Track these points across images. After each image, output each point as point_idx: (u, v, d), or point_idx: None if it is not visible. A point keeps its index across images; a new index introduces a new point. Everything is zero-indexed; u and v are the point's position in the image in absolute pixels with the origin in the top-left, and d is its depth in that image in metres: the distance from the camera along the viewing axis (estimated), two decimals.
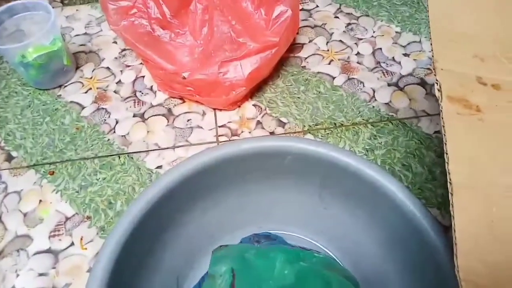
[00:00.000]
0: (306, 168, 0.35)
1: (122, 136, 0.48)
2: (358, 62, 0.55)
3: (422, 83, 0.52)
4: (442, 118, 0.24)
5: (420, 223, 0.28)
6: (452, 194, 0.21)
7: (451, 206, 0.21)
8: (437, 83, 0.26)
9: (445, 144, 0.23)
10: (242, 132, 0.49)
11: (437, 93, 0.26)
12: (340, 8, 0.62)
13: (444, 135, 0.23)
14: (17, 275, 0.39)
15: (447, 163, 0.22)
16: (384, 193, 0.31)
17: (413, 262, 0.31)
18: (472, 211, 0.21)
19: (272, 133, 0.49)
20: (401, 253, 0.32)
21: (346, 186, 0.34)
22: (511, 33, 0.31)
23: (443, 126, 0.24)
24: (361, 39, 0.58)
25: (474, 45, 0.30)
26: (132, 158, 0.46)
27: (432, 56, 0.28)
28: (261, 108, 0.51)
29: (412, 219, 0.29)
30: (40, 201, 0.44)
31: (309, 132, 0.48)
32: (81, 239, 0.41)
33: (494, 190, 0.22)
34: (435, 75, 0.27)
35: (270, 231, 0.38)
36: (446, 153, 0.22)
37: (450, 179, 0.21)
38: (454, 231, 0.20)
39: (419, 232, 0.28)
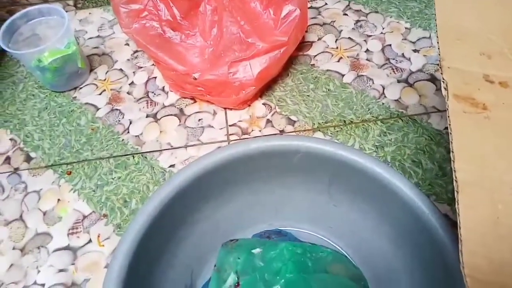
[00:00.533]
0: (315, 166, 0.35)
1: (135, 136, 0.50)
2: (367, 59, 0.55)
3: (432, 79, 0.52)
4: (449, 116, 0.24)
5: (428, 219, 0.29)
6: (458, 192, 0.21)
7: (456, 203, 0.21)
8: (443, 82, 0.27)
9: (451, 142, 0.23)
10: (252, 130, 0.49)
11: (443, 92, 0.26)
12: (349, 5, 0.62)
13: (450, 133, 0.24)
14: (38, 271, 0.41)
15: (453, 161, 0.22)
16: (392, 191, 0.31)
17: (423, 259, 0.31)
18: (477, 208, 0.21)
19: (282, 131, 0.49)
20: (410, 249, 0.32)
21: (354, 184, 0.34)
22: None
23: (449, 125, 0.24)
24: (370, 36, 0.58)
25: (481, 42, 0.30)
26: (146, 157, 0.48)
27: (439, 54, 0.29)
28: (271, 107, 0.52)
29: (420, 216, 0.29)
30: (59, 200, 0.45)
31: (319, 130, 0.49)
32: (98, 236, 0.42)
33: (500, 188, 0.22)
34: (441, 73, 0.27)
35: (281, 228, 0.39)
36: (452, 151, 0.23)
37: (456, 177, 0.22)
38: (460, 228, 0.20)
39: (428, 229, 0.29)
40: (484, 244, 0.20)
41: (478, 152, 0.23)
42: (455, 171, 0.22)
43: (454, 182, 0.22)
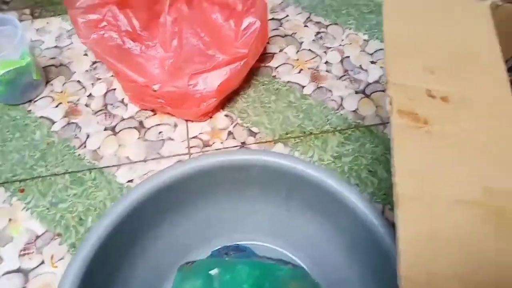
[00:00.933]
0: (272, 180, 0.36)
1: (93, 150, 0.48)
2: (327, 71, 0.56)
3: None
4: (391, 131, 0.25)
5: (378, 231, 0.29)
6: (397, 206, 0.22)
7: (395, 217, 0.22)
8: (388, 98, 0.28)
9: (393, 156, 0.24)
10: (213, 143, 0.49)
11: (388, 107, 0.27)
12: (309, 17, 0.63)
13: (392, 148, 0.24)
14: None
15: (393, 175, 0.23)
16: (345, 204, 0.32)
17: (375, 270, 0.32)
18: (416, 222, 0.22)
19: (243, 143, 0.49)
20: (363, 261, 0.33)
21: (310, 197, 0.35)
22: (462, 45, 0.32)
23: (392, 139, 0.25)
24: (330, 47, 0.59)
25: (425, 58, 0.31)
26: (103, 172, 0.46)
27: (385, 70, 0.30)
28: (233, 119, 0.52)
29: (370, 228, 0.30)
30: (10, 219, 0.43)
31: (280, 141, 0.49)
32: (52, 257, 0.41)
33: (439, 201, 0.23)
34: (387, 89, 0.28)
35: (240, 242, 0.39)
36: (393, 166, 0.23)
37: (395, 191, 0.22)
38: (398, 241, 0.21)
39: (378, 240, 0.30)
40: (422, 258, 0.21)
41: (418, 166, 0.24)
42: (395, 185, 0.23)
43: (394, 196, 0.22)
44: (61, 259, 0.40)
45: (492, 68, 0.31)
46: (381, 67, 0.56)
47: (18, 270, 0.40)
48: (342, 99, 0.53)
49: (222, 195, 0.38)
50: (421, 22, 0.34)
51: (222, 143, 0.49)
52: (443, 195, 0.23)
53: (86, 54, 0.59)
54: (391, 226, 0.30)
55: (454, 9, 0.36)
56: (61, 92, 0.54)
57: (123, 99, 0.53)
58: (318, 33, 0.61)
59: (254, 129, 0.50)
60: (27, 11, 0.64)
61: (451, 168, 0.24)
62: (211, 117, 0.51)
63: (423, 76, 0.30)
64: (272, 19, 0.63)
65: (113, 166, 0.47)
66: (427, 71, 0.30)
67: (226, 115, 0.52)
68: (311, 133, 0.50)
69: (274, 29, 0.62)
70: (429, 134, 0.26)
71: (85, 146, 0.49)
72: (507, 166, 0.25)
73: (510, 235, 0.22)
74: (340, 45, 0.59)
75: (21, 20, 0.63)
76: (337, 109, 0.52)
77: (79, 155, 0.48)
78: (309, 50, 0.59)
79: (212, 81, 0.49)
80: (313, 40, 0.60)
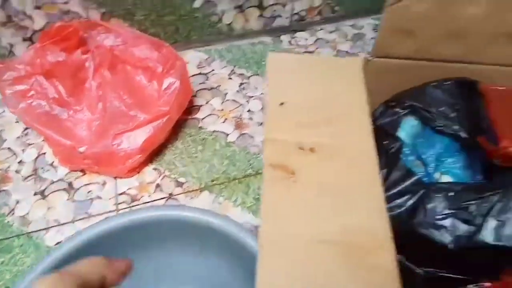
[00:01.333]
0: (185, 232, 0.39)
1: (21, 216, 0.49)
2: (249, 118, 0.61)
3: None
4: (263, 184, 0.29)
5: None
6: (260, 252, 0.25)
7: (258, 262, 0.25)
8: (263, 153, 0.32)
9: (261, 207, 0.28)
10: (142, 197, 0.52)
11: (263, 160, 0.31)
12: (233, 69, 0.69)
13: (262, 199, 0.28)
14: None
15: (260, 225, 0.27)
16: (250, 251, 0.35)
17: None
18: (276, 265, 0.25)
19: (170, 194, 0.52)
20: None
21: (218, 244, 0.38)
22: (335, 100, 0.38)
23: (262, 192, 0.29)
24: (252, 96, 0.64)
25: (300, 114, 0.36)
26: (31, 237, 0.47)
27: (264, 127, 0.34)
28: (161, 171, 0.55)
29: None
30: None
31: (206, 189, 0.53)
32: None
33: (301, 243, 0.26)
34: (263, 145, 0.32)
35: None
36: (261, 217, 0.27)
37: (259, 238, 0.26)
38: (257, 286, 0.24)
39: None
40: None
41: (282, 213, 0.28)
42: (259, 233, 0.26)
43: (259, 244, 0.26)
44: None
45: (358, 120, 0.36)
46: None
47: None
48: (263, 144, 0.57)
49: (142, 249, 0.40)
50: (301, 81, 0.40)
51: (150, 196, 0.52)
52: (304, 237, 0.27)
53: (17, 121, 0.61)
54: None
55: (331, 65, 0.42)
56: None
57: (53, 162, 0.55)
58: (241, 84, 0.66)
59: (182, 180, 0.54)
60: None
61: (312, 212, 0.28)
62: (138, 172, 0.54)
63: (297, 131, 0.34)
64: (199, 73, 0.68)
65: (42, 230, 0.48)
66: (301, 126, 0.35)
67: (155, 168, 0.55)
68: (235, 179, 0.54)
69: (200, 83, 0.67)
70: (295, 183, 0.30)
71: (13, 213, 0.50)
72: (362, 206, 0.29)
73: (367, 269, 0.26)
74: (261, 93, 0.65)
75: None
76: (259, 154, 0.56)
77: (7, 222, 0.49)
78: (233, 100, 0.64)
79: (135, 139, 0.52)
80: (237, 91, 0.65)
